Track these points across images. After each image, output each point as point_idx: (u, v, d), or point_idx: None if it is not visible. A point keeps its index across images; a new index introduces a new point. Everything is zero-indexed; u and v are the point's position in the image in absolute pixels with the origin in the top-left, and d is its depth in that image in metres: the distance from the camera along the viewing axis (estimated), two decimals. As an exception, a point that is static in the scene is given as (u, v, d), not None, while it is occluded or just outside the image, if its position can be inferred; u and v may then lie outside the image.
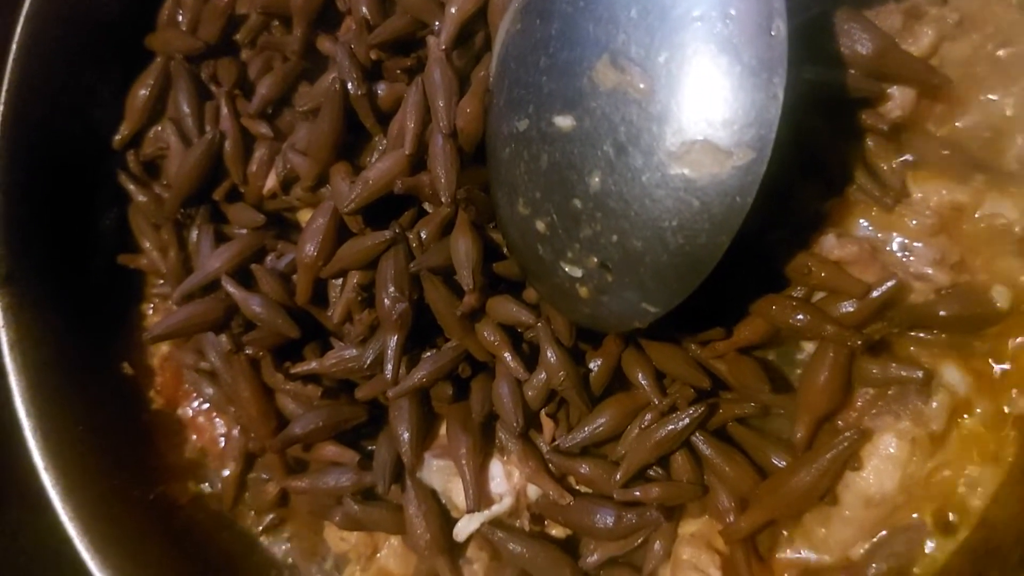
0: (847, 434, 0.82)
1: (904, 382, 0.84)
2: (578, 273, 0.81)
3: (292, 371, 0.97)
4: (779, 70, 0.66)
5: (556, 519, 0.92)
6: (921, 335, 0.86)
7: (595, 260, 0.78)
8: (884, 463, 0.83)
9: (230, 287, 0.97)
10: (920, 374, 0.83)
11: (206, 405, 1.08)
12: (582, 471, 0.90)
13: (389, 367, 0.90)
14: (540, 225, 0.81)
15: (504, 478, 0.92)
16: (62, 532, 0.94)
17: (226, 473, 1.06)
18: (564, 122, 0.76)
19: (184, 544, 1.03)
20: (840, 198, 0.87)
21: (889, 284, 0.81)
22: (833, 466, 0.82)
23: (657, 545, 0.89)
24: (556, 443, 0.90)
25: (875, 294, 0.82)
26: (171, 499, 1.06)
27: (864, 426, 0.84)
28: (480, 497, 0.91)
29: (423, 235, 0.92)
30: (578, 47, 0.73)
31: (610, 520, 0.88)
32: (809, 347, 0.88)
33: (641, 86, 0.70)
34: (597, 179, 0.74)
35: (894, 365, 0.84)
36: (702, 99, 0.68)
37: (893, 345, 0.86)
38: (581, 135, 0.74)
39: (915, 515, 0.85)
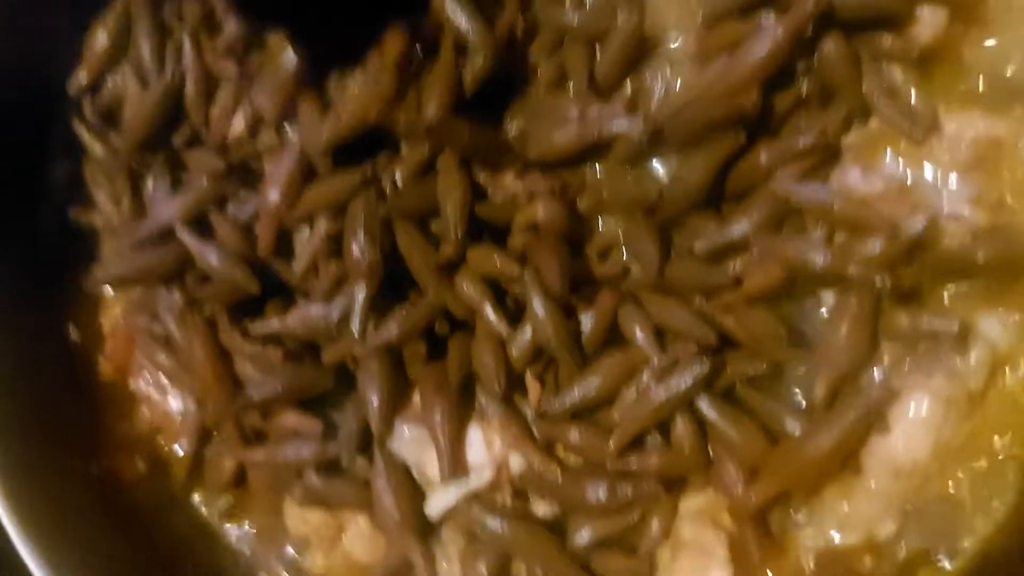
0: (872, 391, 0.72)
1: (937, 336, 0.74)
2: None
3: (251, 330, 0.88)
4: None
5: (541, 494, 0.82)
6: (955, 287, 0.76)
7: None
8: (914, 427, 0.73)
9: (185, 236, 0.88)
10: (955, 326, 0.73)
11: (160, 377, 0.98)
12: (572, 438, 0.80)
13: (357, 321, 0.81)
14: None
15: (484, 448, 0.82)
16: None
17: (179, 450, 0.96)
18: None
19: (129, 526, 0.93)
20: (864, 129, 0.77)
21: (921, 220, 0.72)
22: (856, 428, 0.73)
23: (655, 523, 0.79)
24: (543, 407, 0.81)
25: (906, 232, 0.72)
26: (117, 476, 0.95)
27: (892, 385, 0.74)
28: (456, 465, 0.81)
29: (398, 176, 0.83)
30: None
31: (602, 493, 0.78)
32: (830, 300, 0.78)
33: None
34: None
35: (926, 316, 0.74)
36: None
37: (924, 296, 0.76)
38: None
39: (951, 488, 0.75)
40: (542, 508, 0.82)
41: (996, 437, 0.75)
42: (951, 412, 0.73)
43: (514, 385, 0.82)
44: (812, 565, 0.79)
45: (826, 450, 0.73)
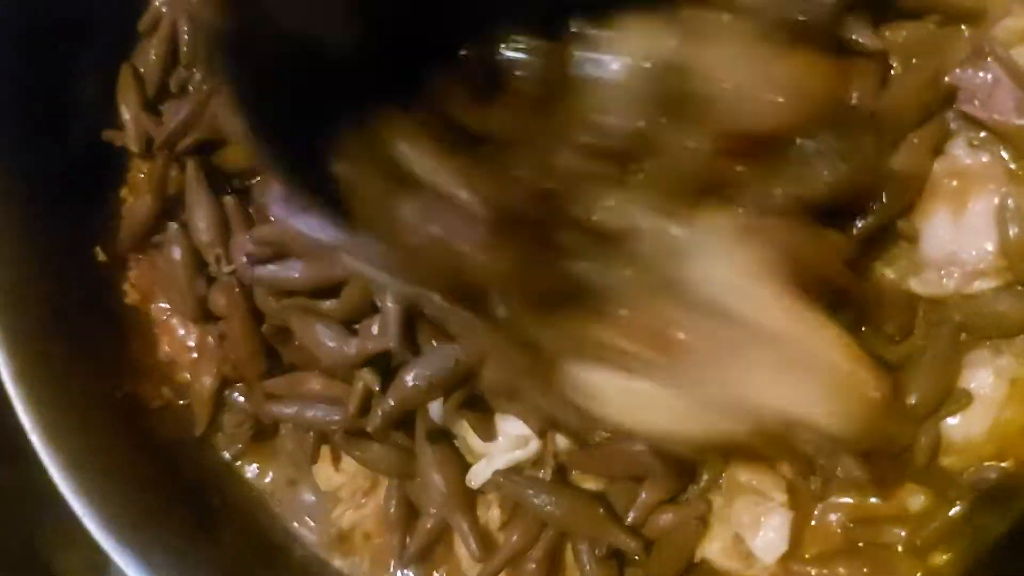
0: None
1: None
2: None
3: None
4: None
5: (591, 469, 0.80)
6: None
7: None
8: (974, 403, 0.71)
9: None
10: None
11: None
12: None
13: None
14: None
15: (523, 423, 0.79)
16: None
17: (199, 388, 0.91)
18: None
19: (155, 453, 0.91)
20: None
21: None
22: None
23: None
24: None
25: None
26: (141, 402, 0.93)
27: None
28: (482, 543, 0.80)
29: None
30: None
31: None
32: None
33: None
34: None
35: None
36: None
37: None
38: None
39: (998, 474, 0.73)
40: (589, 483, 0.80)
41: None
42: (1016, 394, 0.71)
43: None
44: (845, 522, 0.77)
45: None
